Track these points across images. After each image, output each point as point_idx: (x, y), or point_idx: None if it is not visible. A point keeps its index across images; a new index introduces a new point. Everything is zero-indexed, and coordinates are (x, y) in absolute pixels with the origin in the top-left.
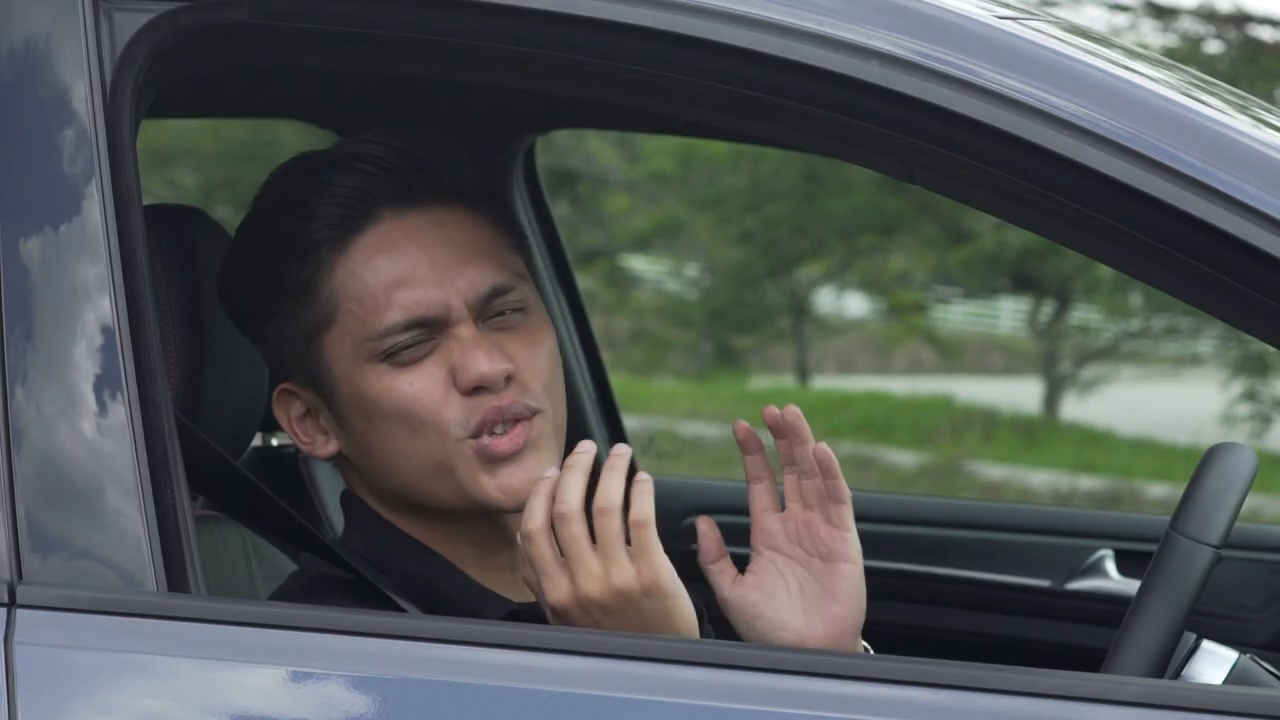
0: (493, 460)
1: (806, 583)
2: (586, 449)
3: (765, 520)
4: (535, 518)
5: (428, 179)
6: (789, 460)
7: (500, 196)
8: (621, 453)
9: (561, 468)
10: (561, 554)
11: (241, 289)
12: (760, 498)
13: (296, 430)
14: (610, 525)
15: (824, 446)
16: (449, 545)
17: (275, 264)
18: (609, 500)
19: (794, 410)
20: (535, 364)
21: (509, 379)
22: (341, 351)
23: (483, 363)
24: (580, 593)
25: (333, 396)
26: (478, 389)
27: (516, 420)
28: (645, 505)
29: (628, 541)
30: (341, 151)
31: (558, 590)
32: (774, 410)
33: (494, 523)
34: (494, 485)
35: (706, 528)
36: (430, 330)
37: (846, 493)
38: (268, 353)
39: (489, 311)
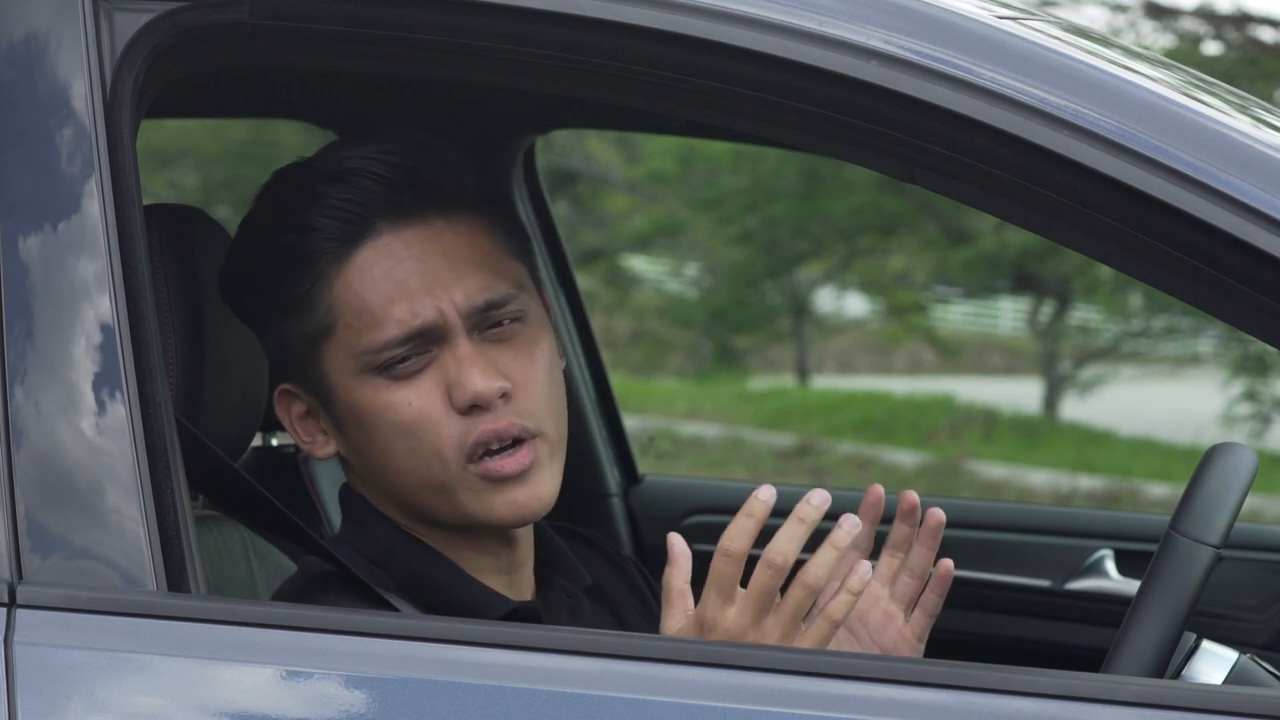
0: (498, 480)
1: None
2: (819, 501)
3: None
4: (740, 540)
5: (425, 192)
6: (899, 546)
7: (503, 199)
8: (852, 528)
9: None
10: (743, 584)
11: (243, 293)
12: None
13: (297, 429)
14: (803, 600)
15: (949, 563)
16: (449, 545)
17: (276, 273)
18: (815, 578)
19: (939, 516)
20: (532, 378)
21: (505, 396)
22: (339, 362)
23: (477, 381)
24: (736, 632)
25: (331, 404)
26: (473, 407)
27: (515, 441)
28: (843, 608)
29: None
30: (338, 164)
31: (721, 616)
32: (915, 498)
33: (495, 529)
34: (501, 504)
35: None
36: (426, 342)
37: (938, 609)
38: (269, 353)
39: (485, 323)
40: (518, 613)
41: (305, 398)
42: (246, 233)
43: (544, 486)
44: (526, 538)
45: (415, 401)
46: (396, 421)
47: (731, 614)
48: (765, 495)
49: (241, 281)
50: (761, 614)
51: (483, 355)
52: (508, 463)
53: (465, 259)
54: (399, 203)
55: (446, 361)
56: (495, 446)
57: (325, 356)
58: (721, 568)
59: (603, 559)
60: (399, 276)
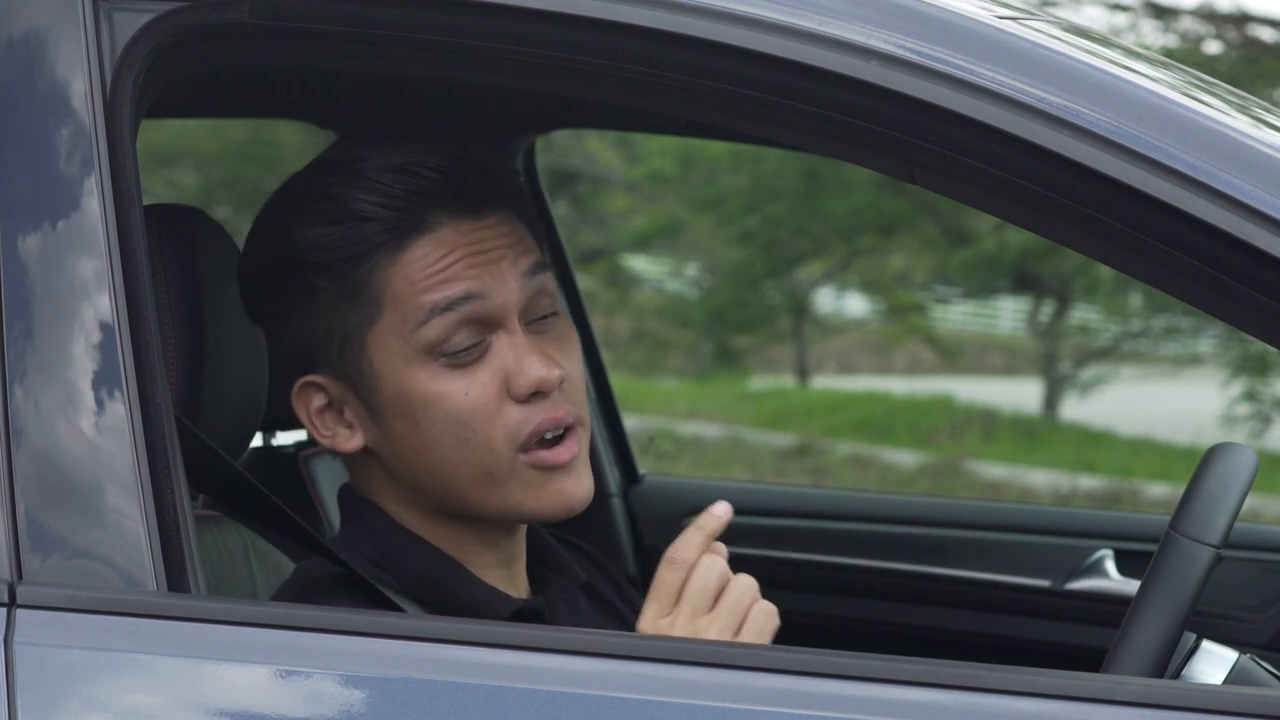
0: (549, 469)
1: None
2: (721, 512)
3: None
4: (689, 551)
5: (483, 186)
6: None
7: (528, 197)
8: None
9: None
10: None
11: (269, 282)
12: None
13: (315, 423)
14: (742, 601)
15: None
16: (457, 543)
17: (321, 263)
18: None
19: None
20: (574, 369)
21: (561, 384)
22: (389, 348)
23: (538, 368)
24: (676, 633)
25: (372, 393)
26: (533, 395)
27: (567, 429)
28: (769, 627)
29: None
30: (397, 157)
31: (661, 622)
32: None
33: (511, 523)
34: (550, 495)
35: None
36: (481, 329)
37: None
38: (290, 344)
39: (531, 313)
40: (523, 611)
41: (335, 389)
42: (277, 221)
43: (587, 478)
44: (522, 534)
45: (472, 391)
46: (450, 411)
47: (665, 620)
48: (720, 511)
49: (268, 271)
50: (671, 605)
51: (536, 344)
52: (559, 452)
53: (514, 247)
54: (461, 195)
55: (502, 351)
56: (549, 436)
57: (370, 344)
58: (665, 576)
59: (591, 564)
60: (456, 265)
